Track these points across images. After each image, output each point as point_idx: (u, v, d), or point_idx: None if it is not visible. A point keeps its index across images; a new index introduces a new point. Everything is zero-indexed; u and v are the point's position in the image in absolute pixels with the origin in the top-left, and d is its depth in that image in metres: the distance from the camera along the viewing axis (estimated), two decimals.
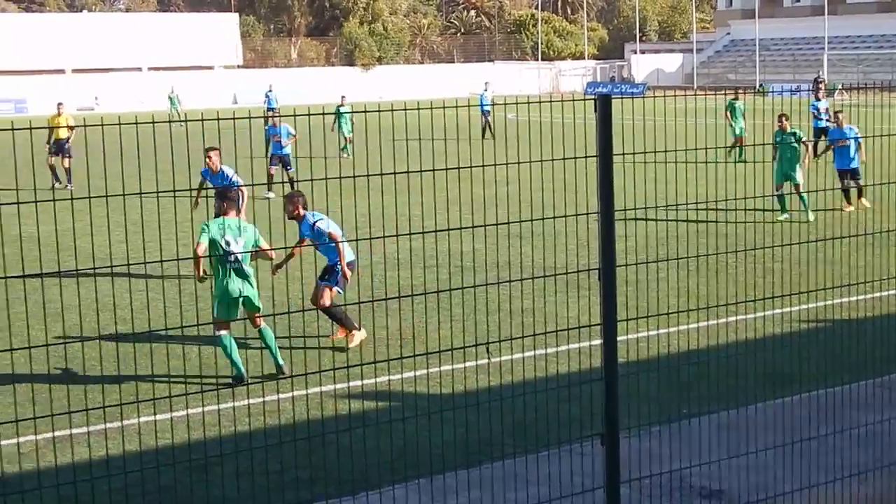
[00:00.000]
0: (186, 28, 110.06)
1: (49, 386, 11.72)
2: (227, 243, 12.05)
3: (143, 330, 13.53)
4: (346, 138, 39.75)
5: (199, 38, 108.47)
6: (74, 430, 10.20)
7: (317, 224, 13.40)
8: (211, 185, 18.13)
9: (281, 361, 12.08)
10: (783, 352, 12.47)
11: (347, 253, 13.59)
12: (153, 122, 6.35)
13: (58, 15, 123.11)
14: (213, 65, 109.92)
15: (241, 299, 11.91)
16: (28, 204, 5.74)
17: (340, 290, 13.53)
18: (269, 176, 29.04)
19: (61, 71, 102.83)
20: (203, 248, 11.94)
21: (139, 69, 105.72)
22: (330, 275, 13.49)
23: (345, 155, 38.36)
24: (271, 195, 27.70)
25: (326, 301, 13.25)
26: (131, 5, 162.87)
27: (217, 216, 12.31)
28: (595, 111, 6.51)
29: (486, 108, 46.95)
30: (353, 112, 36.25)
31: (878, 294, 14.99)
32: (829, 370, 11.33)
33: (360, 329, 13.33)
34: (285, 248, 12.62)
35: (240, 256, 11.92)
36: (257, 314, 12.01)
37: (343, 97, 41.93)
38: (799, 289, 14.73)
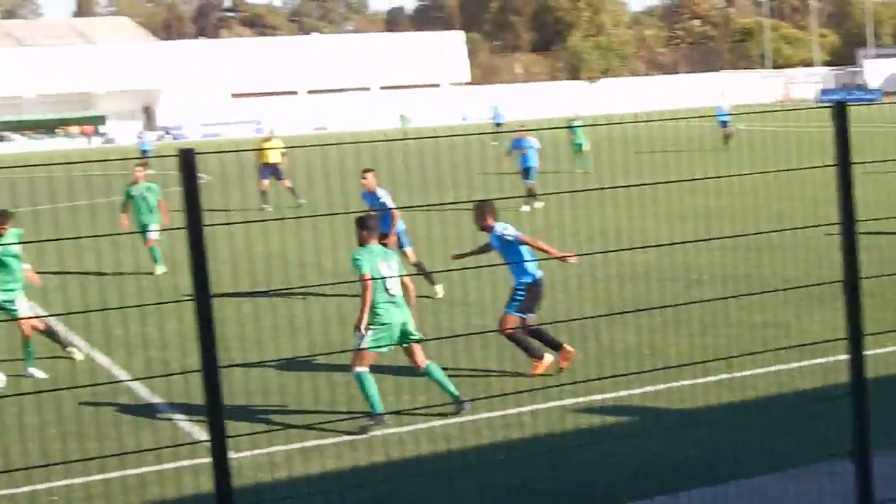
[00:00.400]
0: (414, 47, 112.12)
1: (298, 397, 12.10)
2: (383, 270, 11.56)
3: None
4: (579, 153, 39.74)
5: (427, 57, 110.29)
6: (324, 441, 10.53)
7: (504, 234, 12.90)
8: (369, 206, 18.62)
9: (456, 393, 11.45)
10: None
11: (532, 271, 12.95)
12: (386, 140, 6.53)
13: (290, 38, 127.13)
14: (440, 82, 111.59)
15: (399, 328, 11.43)
16: (260, 221, 5.92)
17: (523, 315, 12.88)
18: (528, 189, 29.38)
19: (294, 92, 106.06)
20: (369, 277, 11.40)
21: (369, 88, 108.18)
22: (511, 299, 12.98)
23: (578, 170, 38.40)
24: (526, 208, 28.51)
25: (508, 328, 12.78)
26: (359, 26, 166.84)
27: (361, 245, 11.77)
28: (833, 119, 6.38)
29: (723, 118, 46.50)
30: (584, 125, 36.21)
31: None
32: None
33: (542, 357, 12.77)
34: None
35: (396, 283, 11.49)
36: (417, 352, 11.49)
37: (576, 113, 41.96)
38: None
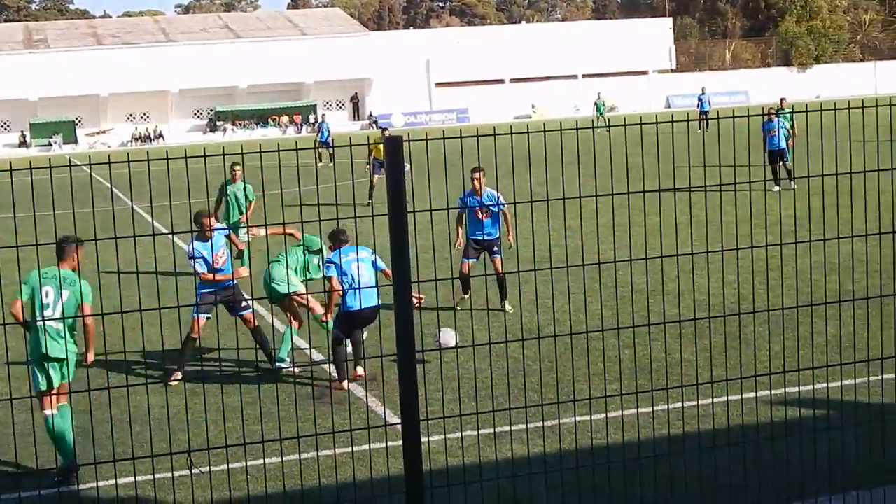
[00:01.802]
0: (620, 34, 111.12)
1: (489, 383, 12.19)
2: (47, 295, 10.32)
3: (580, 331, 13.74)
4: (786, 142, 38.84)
5: (633, 44, 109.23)
6: (513, 427, 10.58)
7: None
8: (471, 206, 17.07)
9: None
10: None
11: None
12: (576, 129, 6.51)
13: (497, 27, 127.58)
14: (646, 70, 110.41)
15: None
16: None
17: None
18: (773, 171, 30.85)
19: (501, 81, 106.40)
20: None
21: (575, 76, 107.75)
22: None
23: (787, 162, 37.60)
24: (776, 188, 29.96)
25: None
26: (567, 14, 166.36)
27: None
28: None
29: None
30: (793, 112, 35.33)
31: None
32: None
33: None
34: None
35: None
36: None
37: (783, 99, 40.77)
38: None
